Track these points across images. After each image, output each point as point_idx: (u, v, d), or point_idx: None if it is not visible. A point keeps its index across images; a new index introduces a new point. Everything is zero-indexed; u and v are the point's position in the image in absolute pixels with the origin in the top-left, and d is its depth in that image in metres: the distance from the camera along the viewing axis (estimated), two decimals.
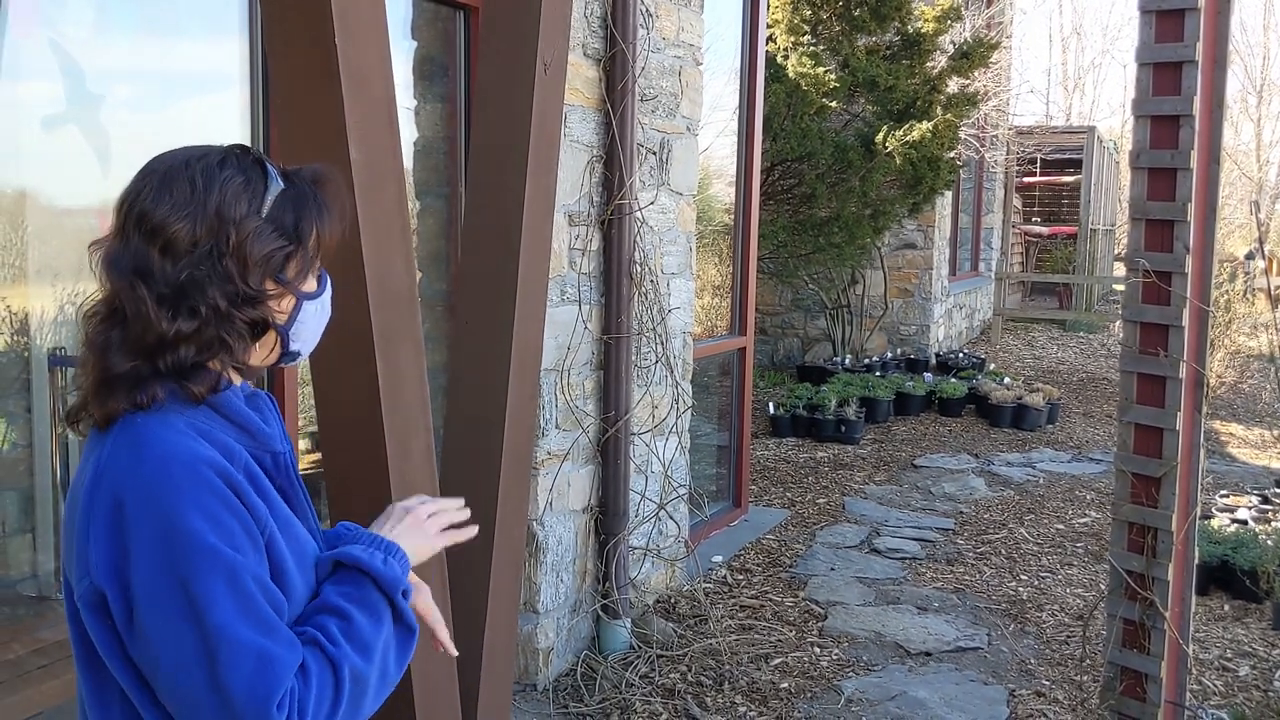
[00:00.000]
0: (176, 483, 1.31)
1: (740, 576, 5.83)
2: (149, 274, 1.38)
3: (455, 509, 1.67)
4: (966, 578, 5.93)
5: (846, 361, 11.33)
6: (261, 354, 1.51)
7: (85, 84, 3.43)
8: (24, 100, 3.30)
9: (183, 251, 1.38)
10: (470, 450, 3.14)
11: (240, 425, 1.45)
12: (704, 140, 5.97)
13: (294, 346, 1.53)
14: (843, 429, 9.08)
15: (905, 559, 6.21)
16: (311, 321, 1.54)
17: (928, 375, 10.97)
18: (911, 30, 10.02)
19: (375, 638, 1.43)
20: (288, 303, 1.49)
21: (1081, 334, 16.04)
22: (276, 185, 1.45)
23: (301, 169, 1.53)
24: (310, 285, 1.52)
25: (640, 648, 4.75)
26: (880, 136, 9.58)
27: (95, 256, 1.43)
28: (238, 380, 1.51)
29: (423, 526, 1.60)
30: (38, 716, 2.94)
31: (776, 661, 4.76)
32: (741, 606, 5.40)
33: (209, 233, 1.39)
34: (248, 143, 3.52)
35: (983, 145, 14.13)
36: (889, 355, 11.81)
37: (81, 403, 1.42)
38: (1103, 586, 5.09)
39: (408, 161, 4.23)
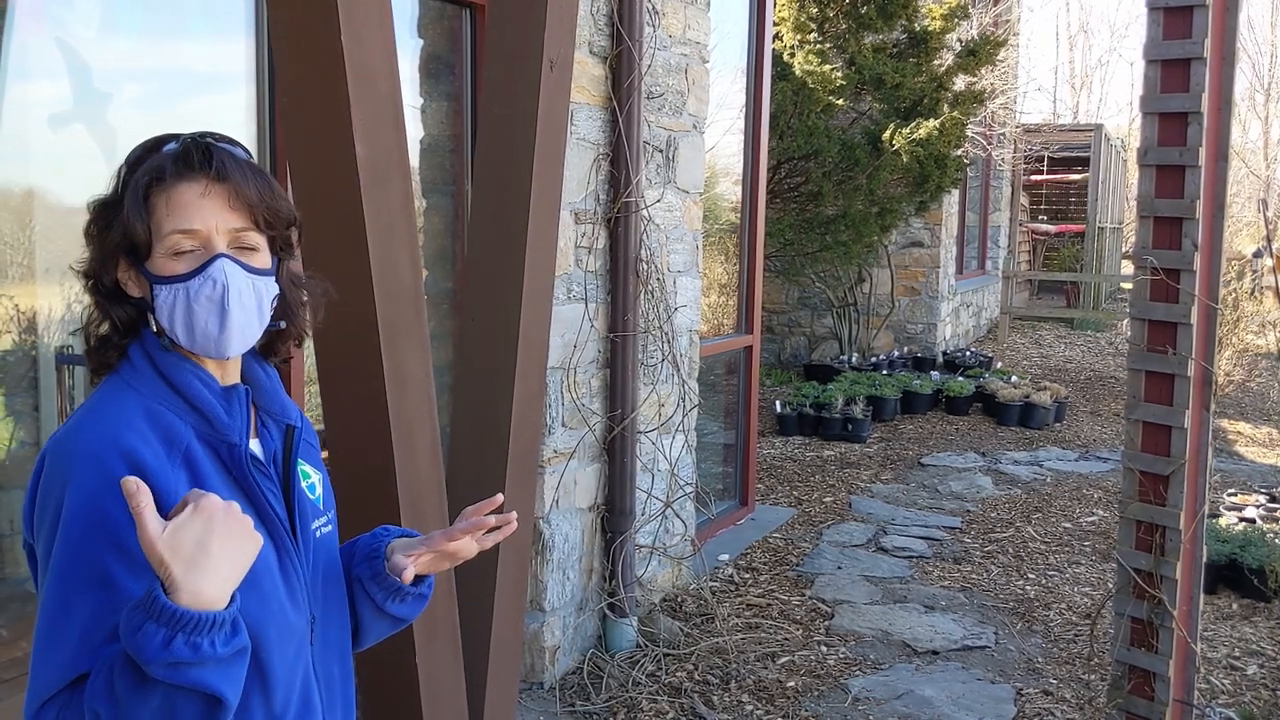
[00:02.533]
0: (75, 458, 1.37)
1: (747, 575, 5.83)
2: None
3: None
4: (974, 576, 5.92)
5: (853, 360, 11.32)
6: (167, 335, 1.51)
7: (92, 83, 3.43)
8: (31, 100, 3.30)
9: None
10: (476, 448, 3.14)
11: (198, 410, 1.47)
12: (710, 138, 5.96)
13: (169, 332, 1.48)
14: (849, 427, 9.07)
15: (912, 557, 6.20)
16: (173, 308, 1.46)
17: (935, 374, 10.96)
18: (918, 28, 10.01)
19: (131, 696, 1.25)
20: (141, 284, 1.48)
21: (1089, 332, 16.01)
22: (125, 169, 1.49)
23: (178, 137, 1.52)
24: (163, 268, 1.46)
25: (647, 646, 4.75)
26: (887, 134, 9.57)
27: None
28: (221, 373, 1.52)
29: (168, 568, 1.24)
30: None
31: (783, 660, 4.76)
32: (748, 605, 5.39)
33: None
34: (254, 139, 3.54)
35: (990, 143, 14.10)
36: (896, 353, 11.80)
37: None
38: (1110, 585, 5.08)
39: (414, 159, 4.23)
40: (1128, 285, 15.52)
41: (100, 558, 1.32)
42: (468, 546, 1.64)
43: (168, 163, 1.45)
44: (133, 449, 1.38)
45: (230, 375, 1.54)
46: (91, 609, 1.32)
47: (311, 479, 1.63)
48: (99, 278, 1.48)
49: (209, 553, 1.24)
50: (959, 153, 10.40)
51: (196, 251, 1.45)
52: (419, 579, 1.69)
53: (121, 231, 1.45)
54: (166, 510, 1.31)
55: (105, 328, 1.49)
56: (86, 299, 1.51)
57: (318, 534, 1.61)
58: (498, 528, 1.66)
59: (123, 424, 1.40)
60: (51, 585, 1.34)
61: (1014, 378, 10.76)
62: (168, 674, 1.22)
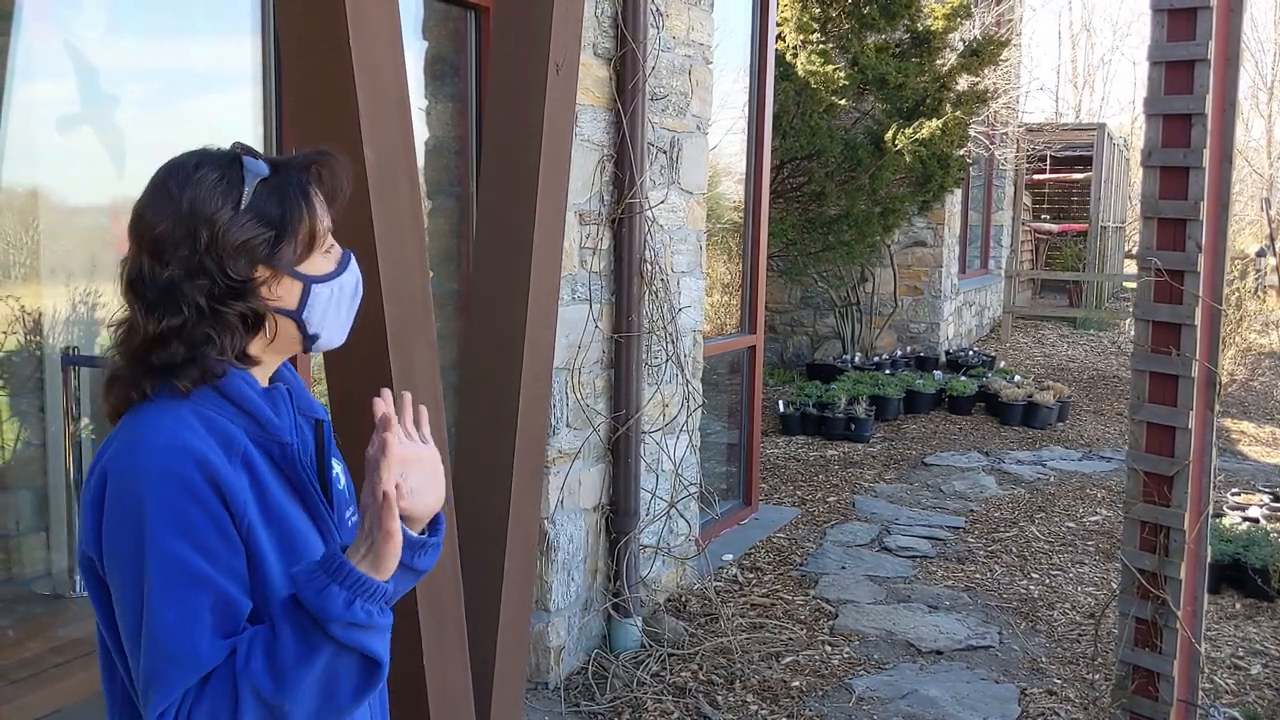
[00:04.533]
0: (146, 471, 1.36)
1: (751, 575, 5.84)
2: (140, 281, 1.44)
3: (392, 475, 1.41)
4: (977, 576, 5.93)
5: (856, 359, 11.33)
6: (265, 343, 1.51)
7: (98, 84, 3.44)
8: (38, 100, 3.31)
9: (166, 254, 1.43)
10: (482, 449, 3.14)
11: (248, 413, 1.48)
12: (713, 138, 5.97)
13: (313, 330, 1.53)
14: (852, 427, 9.08)
15: (916, 557, 6.20)
16: (326, 305, 1.52)
17: (937, 373, 10.96)
18: (921, 28, 10.01)
19: (301, 665, 1.34)
20: (288, 288, 1.49)
21: (1092, 331, 16.01)
22: (255, 176, 1.47)
23: (295, 155, 1.54)
24: (319, 268, 1.51)
25: (651, 646, 4.76)
26: (890, 134, 9.57)
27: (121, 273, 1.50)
28: (263, 373, 1.54)
29: (391, 541, 1.39)
30: (55, 714, 2.96)
31: (788, 660, 4.76)
32: (752, 605, 5.40)
33: (186, 233, 1.43)
34: (259, 142, 3.55)
35: (992, 142, 14.11)
36: (898, 353, 11.80)
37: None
38: (1114, 585, 5.09)
39: (420, 161, 4.24)
40: (1131, 284, 15.52)
41: (196, 565, 1.35)
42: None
43: (309, 170, 1.52)
44: (204, 455, 1.39)
45: (265, 377, 1.56)
46: (205, 612, 1.35)
47: (336, 470, 1.66)
48: (247, 297, 1.45)
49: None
50: (962, 152, 10.40)
51: (333, 249, 1.54)
52: (433, 529, 1.60)
53: (308, 233, 1.49)
54: (237, 512, 1.39)
55: (225, 343, 1.45)
56: (151, 321, 1.43)
57: (350, 524, 1.64)
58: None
59: (186, 431, 1.40)
60: (155, 598, 1.34)
61: (1017, 377, 10.76)
62: (344, 634, 1.33)
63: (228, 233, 1.43)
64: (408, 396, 1.59)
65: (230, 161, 1.47)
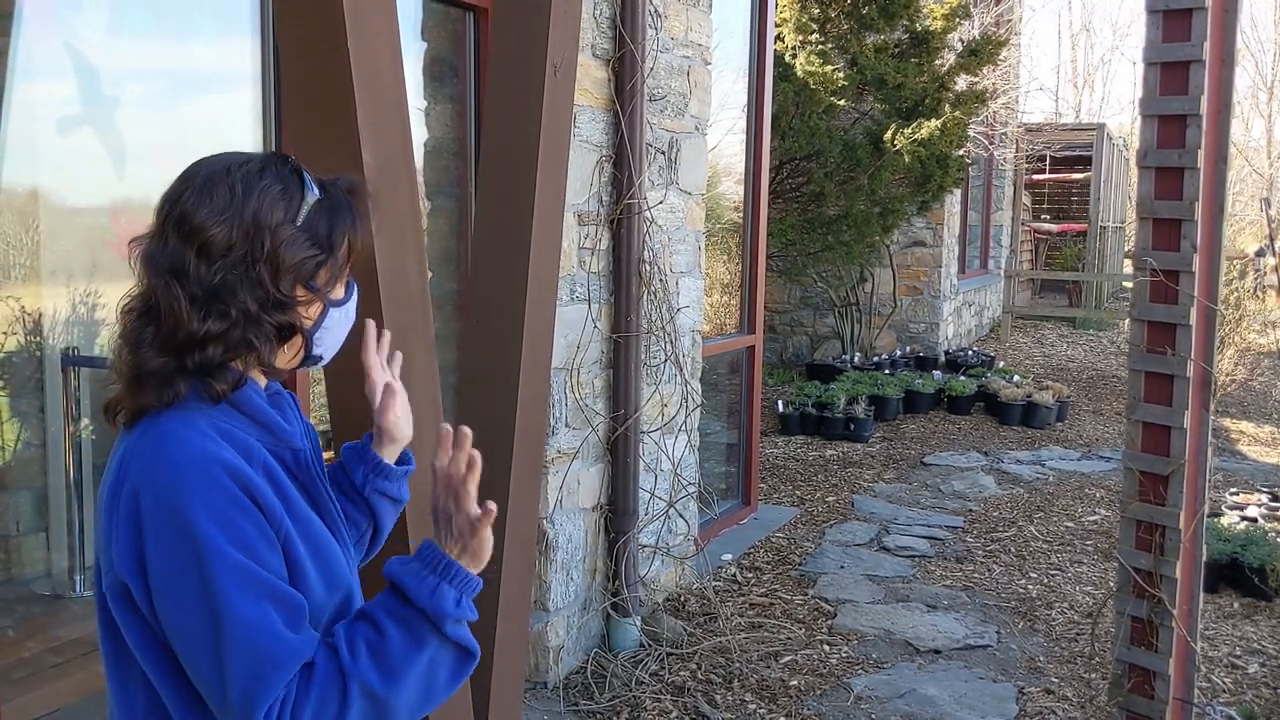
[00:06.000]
0: (187, 484, 1.35)
1: (750, 574, 5.85)
2: (184, 274, 1.42)
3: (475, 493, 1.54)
4: (976, 575, 5.94)
5: (855, 359, 11.34)
6: (287, 357, 1.53)
7: (99, 85, 3.45)
8: (38, 101, 3.32)
9: (218, 255, 1.42)
10: (481, 449, 3.14)
11: (261, 423, 1.49)
12: (712, 138, 5.98)
13: (317, 351, 1.56)
14: (852, 427, 9.09)
15: (914, 557, 6.22)
16: (336, 327, 1.56)
17: (937, 373, 10.96)
18: (920, 28, 10.02)
19: (408, 660, 1.39)
20: (315, 309, 1.52)
21: (1091, 331, 16.01)
22: (313, 195, 1.49)
23: (338, 179, 1.55)
24: (338, 292, 1.55)
25: (650, 646, 4.77)
26: (889, 134, 9.58)
27: (135, 253, 1.46)
28: (262, 380, 1.54)
29: (486, 543, 1.49)
30: (54, 714, 2.97)
31: (786, 659, 4.77)
32: (751, 604, 5.41)
33: (244, 238, 1.43)
34: (259, 143, 3.56)
35: (992, 143, 14.11)
36: (898, 353, 11.81)
37: (118, 397, 1.46)
38: (1112, 584, 5.10)
39: (418, 162, 4.25)
40: (1130, 284, 15.53)
41: (253, 568, 1.36)
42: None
43: (352, 197, 1.56)
44: (236, 466, 1.39)
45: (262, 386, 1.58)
46: (277, 609, 1.36)
47: None
48: (287, 310, 1.48)
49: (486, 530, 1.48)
50: (961, 152, 10.41)
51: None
52: (404, 459, 1.83)
53: (345, 259, 1.54)
54: (273, 520, 1.40)
55: (264, 351, 1.47)
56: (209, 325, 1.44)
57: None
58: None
59: (210, 443, 1.40)
60: (235, 605, 1.34)
61: (1016, 377, 10.77)
62: (454, 629, 1.40)
63: (288, 248, 1.45)
64: (381, 332, 1.73)
65: (289, 174, 1.49)
